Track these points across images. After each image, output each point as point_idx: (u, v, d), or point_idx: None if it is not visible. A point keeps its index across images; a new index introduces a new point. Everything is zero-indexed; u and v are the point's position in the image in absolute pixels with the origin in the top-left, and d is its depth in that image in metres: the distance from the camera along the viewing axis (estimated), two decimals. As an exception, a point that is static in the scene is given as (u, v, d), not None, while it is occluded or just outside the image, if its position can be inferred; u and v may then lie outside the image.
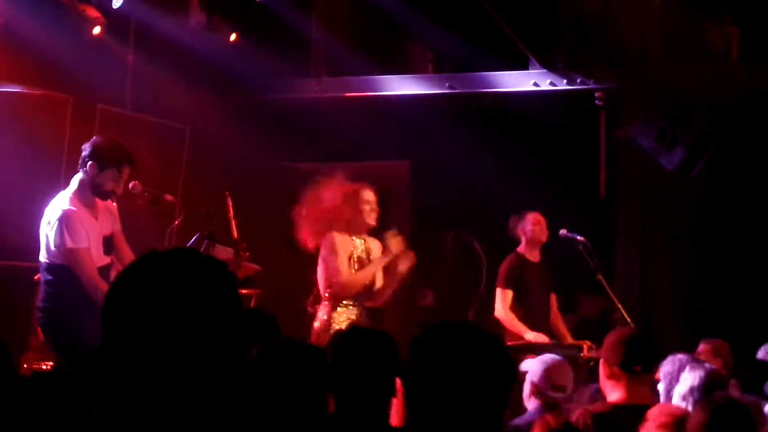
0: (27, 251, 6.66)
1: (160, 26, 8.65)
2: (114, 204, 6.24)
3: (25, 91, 8.02)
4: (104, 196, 6.04)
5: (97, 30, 8.00)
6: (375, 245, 6.93)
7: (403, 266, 6.93)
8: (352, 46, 9.40)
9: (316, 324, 6.79)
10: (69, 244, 5.83)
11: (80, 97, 8.38)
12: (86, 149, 6.02)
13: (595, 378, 5.45)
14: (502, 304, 7.96)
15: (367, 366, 3.57)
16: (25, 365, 6.67)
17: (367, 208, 6.84)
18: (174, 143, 9.44)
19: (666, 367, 4.74)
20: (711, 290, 9.35)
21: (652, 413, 3.92)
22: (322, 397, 3.19)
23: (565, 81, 8.81)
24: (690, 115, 8.79)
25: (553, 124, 9.37)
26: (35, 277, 6.35)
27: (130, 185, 6.33)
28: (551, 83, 8.85)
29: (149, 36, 8.79)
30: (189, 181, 9.27)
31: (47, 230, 5.92)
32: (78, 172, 6.04)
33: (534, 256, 8.10)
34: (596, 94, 8.78)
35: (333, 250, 6.75)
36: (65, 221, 5.84)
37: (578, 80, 8.80)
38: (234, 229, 6.89)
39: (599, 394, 4.75)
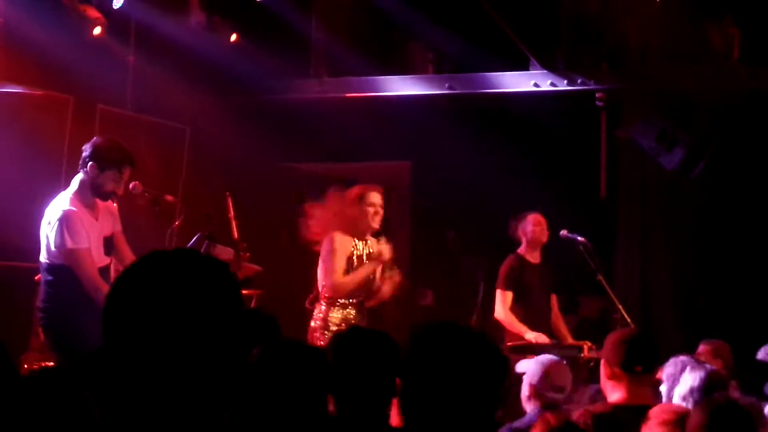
0: (27, 251, 6.67)
1: (160, 26, 8.65)
2: (114, 204, 6.24)
3: (25, 91, 8.02)
4: (105, 196, 6.04)
5: (97, 30, 7.99)
6: (385, 247, 6.95)
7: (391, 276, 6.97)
8: (352, 46, 9.40)
9: (313, 323, 6.83)
10: (69, 244, 5.83)
11: (81, 98, 8.38)
12: (87, 150, 6.02)
13: (595, 378, 5.46)
14: (502, 305, 7.96)
15: (368, 366, 3.57)
16: (25, 365, 6.67)
17: (371, 210, 6.85)
18: (174, 144, 9.44)
19: (669, 369, 4.74)
20: (711, 291, 9.36)
21: (654, 411, 3.92)
22: (323, 397, 3.19)
23: (565, 81, 8.81)
24: (690, 116, 8.79)
25: (553, 124, 9.37)
26: (36, 278, 6.34)
27: (131, 186, 6.33)
28: (552, 84, 8.85)
29: (150, 36, 8.79)
30: (189, 182, 9.27)
31: (47, 231, 5.92)
32: (78, 172, 6.04)
33: (534, 257, 8.10)
34: (597, 95, 8.78)
35: (332, 250, 6.78)
36: (65, 222, 5.84)
37: (579, 81, 8.79)
38: (234, 229, 6.89)
39: (600, 395, 4.75)
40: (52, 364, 6.18)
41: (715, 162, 8.77)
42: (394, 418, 3.64)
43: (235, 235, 6.88)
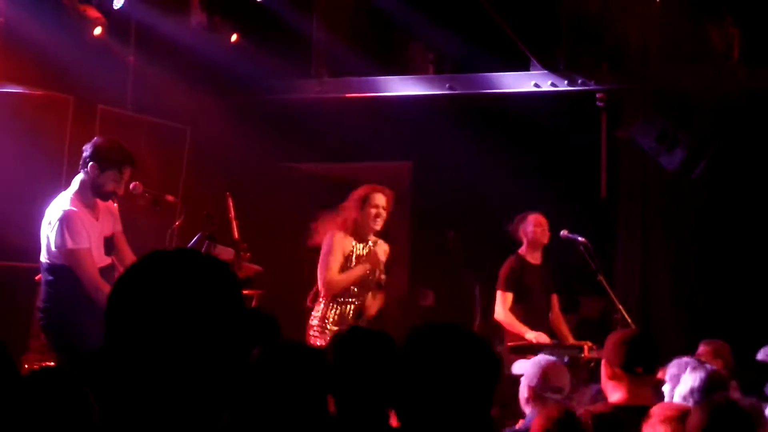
0: (28, 252, 6.67)
1: (160, 27, 8.65)
2: (115, 205, 6.24)
3: (26, 91, 8.02)
4: (105, 196, 6.04)
5: (98, 30, 7.99)
6: (380, 248, 6.97)
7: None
8: (353, 46, 9.40)
9: (311, 320, 6.88)
10: (70, 244, 5.83)
11: (81, 98, 8.38)
12: (87, 150, 6.02)
13: (596, 378, 5.46)
14: (502, 306, 7.94)
15: (368, 367, 3.58)
16: (26, 365, 6.67)
17: (373, 212, 6.87)
18: (175, 144, 9.44)
19: (672, 370, 4.74)
20: (711, 291, 9.35)
21: (656, 409, 3.93)
22: (323, 398, 3.20)
23: (566, 82, 8.81)
24: (691, 116, 8.79)
25: (553, 124, 9.37)
26: (36, 278, 6.35)
27: (131, 186, 6.33)
28: (552, 84, 8.85)
29: (150, 36, 8.79)
30: (190, 182, 9.27)
31: (48, 231, 5.92)
32: (79, 172, 6.04)
33: (535, 258, 8.08)
34: (597, 95, 8.78)
35: (330, 248, 6.85)
36: (66, 222, 5.84)
37: (579, 81, 8.79)
38: (235, 229, 6.89)
39: (600, 395, 4.75)
40: (52, 364, 6.19)
41: (715, 162, 8.77)
42: (394, 419, 3.65)
43: (236, 235, 6.88)
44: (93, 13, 7.97)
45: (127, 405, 1.70)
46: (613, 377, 4.41)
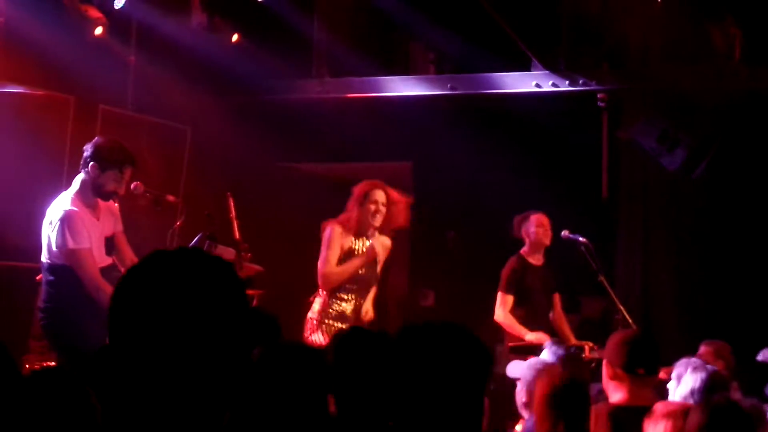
0: (29, 252, 6.67)
1: (161, 27, 8.65)
2: (116, 204, 6.24)
3: (26, 91, 8.03)
4: (106, 196, 6.04)
5: (98, 30, 8.00)
6: (378, 242, 7.00)
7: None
8: (354, 47, 9.40)
9: (310, 313, 6.94)
10: (71, 244, 5.83)
11: (82, 98, 8.38)
12: (88, 150, 6.02)
13: (597, 378, 5.46)
14: (503, 308, 7.92)
15: (368, 367, 3.57)
16: (27, 366, 6.67)
17: (372, 208, 6.91)
18: (176, 144, 9.44)
19: (679, 369, 4.74)
20: (712, 291, 9.35)
21: (659, 405, 3.93)
22: (323, 398, 3.20)
23: (567, 82, 8.81)
24: (692, 117, 8.79)
25: (554, 125, 9.36)
26: (37, 278, 6.35)
27: (132, 186, 6.34)
28: (553, 84, 8.84)
29: (151, 36, 8.79)
30: (191, 182, 9.26)
31: (49, 231, 5.92)
32: (80, 172, 6.04)
33: (537, 259, 8.06)
34: (598, 96, 8.77)
35: (329, 243, 6.93)
36: (67, 222, 5.84)
37: (580, 81, 8.79)
38: (236, 229, 6.90)
39: (601, 395, 4.75)
40: (53, 364, 6.19)
41: (716, 163, 8.77)
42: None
43: (237, 235, 6.89)
44: (94, 13, 7.97)
45: (129, 405, 1.70)
46: (614, 377, 4.41)
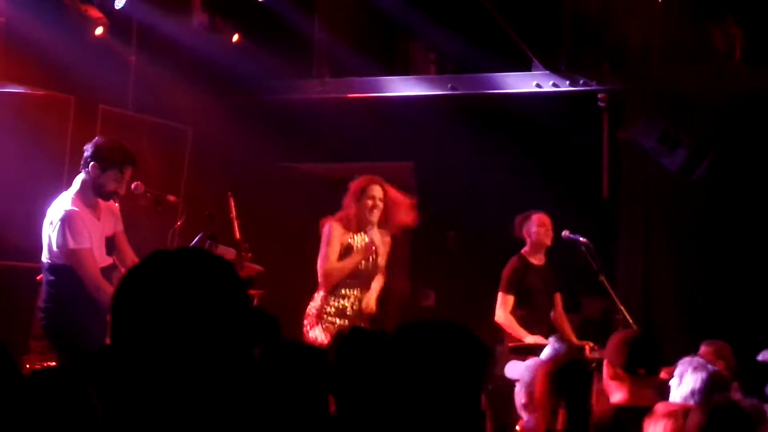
0: (29, 252, 6.67)
1: (162, 27, 8.65)
2: (116, 204, 6.24)
3: (27, 91, 8.03)
4: (106, 196, 6.04)
5: (99, 30, 8.00)
6: (377, 235, 7.02)
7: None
8: (354, 47, 9.40)
9: (309, 309, 6.95)
10: (71, 244, 5.83)
11: (82, 98, 8.38)
12: (88, 150, 6.02)
13: (597, 379, 5.44)
14: (503, 308, 7.90)
15: (369, 367, 3.57)
16: (27, 366, 6.67)
17: (369, 203, 6.94)
18: (176, 144, 9.44)
19: (681, 368, 4.74)
20: (713, 291, 9.34)
21: (660, 406, 3.93)
22: (323, 398, 3.19)
23: (567, 82, 8.81)
24: (692, 117, 8.78)
25: (555, 125, 9.36)
26: (37, 278, 6.35)
27: (133, 186, 6.34)
28: (554, 84, 8.84)
29: (151, 36, 8.79)
30: (191, 182, 9.26)
31: (49, 231, 5.92)
32: (80, 172, 6.04)
33: (538, 258, 8.05)
34: (599, 96, 8.77)
35: (328, 240, 6.99)
36: (67, 222, 5.84)
37: (581, 81, 8.79)
38: (236, 229, 6.91)
39: (602, 395, 4.74)
40: (53, 364, 6.19)
41: (717, 163, 8.77)
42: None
43: (237, 235, 6.89)
44: (94, 13, 7.97)
45: (130, 405, 1.70)
46: (614, 378, 4.41)
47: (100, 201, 6.04)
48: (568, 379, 3.96)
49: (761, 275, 9.08)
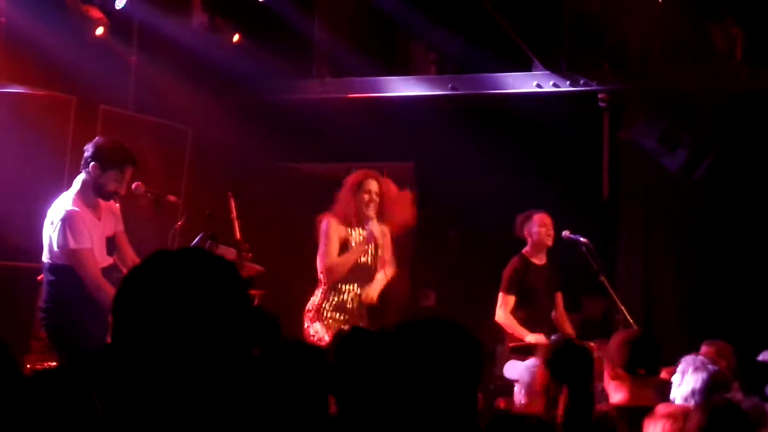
0: (30, 252, 6.67)
1: (162, 27, 8.65)
2: (117, 204, 6.24)
3: (28, 91, 8.03)
4: (107, 196, 6.04)
5: (100, 31, 8.00)
6: (375, 227, 7.03)
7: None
8: (355, 47, 9.41)
9: (309, 305, 6.96)
10: (72, 244, 5.83)
11: (83, 98, 8.39)
12: (89, 150, 6.02)
13: (597, 378, 5.44)
14: (504, 308, 7.89)
15: (369, 367, 3.57)
16: (28, 366, 6.68)
17: (366, 197, 6.95)
18: (177, 144, 9.44)
19: (683, 365, 4.74)
20: (713, 291, 9.35)
21: (660, 407, 3.93)
22: (323, 398, 3.20)
23: (568, 82, 8.81)
24: (693, 117, 8.79)
25: (555, 125, 9.36)
26: (38, 278, 6.35)
27: (133, 186, 6.34)
28: (554, 84, 8.85)
29: (152, 37, 8.79)
30: (192, 182, 9.27)
31: (50, 231, 5.92)
32: (81, 172, 6.04)
33: (539, 258, 8.03)
34: (599, 96, 8.77)
35: (327, 235, 6.96)
36: (68, 222, 5.84)
37: (581, 81, 8.79)
38: (237, 229, 6.91)
39: (602, 395, 4.74)
40: (54, 364, 6.20)
41: (717, 163, 8.77)
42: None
43: (238, 235, 6.89)
44: (95, 13, 7.98)
45: (131, 405, 1.70)
46: (615, 378, 4.41)
47: (101, 201, 6.04)
48: (567, 363, 3.95)
49: (762, 275, 9.08)
